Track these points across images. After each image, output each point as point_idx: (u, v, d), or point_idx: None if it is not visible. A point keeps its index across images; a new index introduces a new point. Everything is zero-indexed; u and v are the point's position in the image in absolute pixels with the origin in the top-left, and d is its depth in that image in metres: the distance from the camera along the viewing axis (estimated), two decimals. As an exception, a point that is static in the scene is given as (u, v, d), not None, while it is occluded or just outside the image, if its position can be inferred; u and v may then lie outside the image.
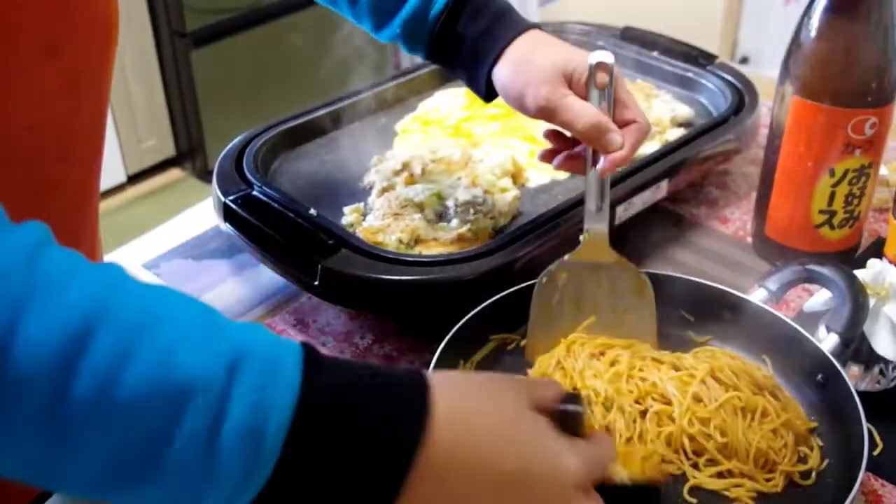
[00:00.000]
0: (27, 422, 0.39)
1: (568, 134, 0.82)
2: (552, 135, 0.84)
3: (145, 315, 0.41)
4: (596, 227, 0.79)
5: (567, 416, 0.54)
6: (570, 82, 0.78)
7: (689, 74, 1.20)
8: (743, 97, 1.12)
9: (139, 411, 0.39)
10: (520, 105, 0.81)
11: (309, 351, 0.45)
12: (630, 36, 1.28)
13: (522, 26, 0.82)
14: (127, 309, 0.41)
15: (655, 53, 1.24)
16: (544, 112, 0.78)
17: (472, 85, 0.85)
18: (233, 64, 2.93)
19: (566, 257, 0.79)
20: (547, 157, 0.84)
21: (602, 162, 0.77)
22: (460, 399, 0.49)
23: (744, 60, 2.91)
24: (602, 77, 0.76)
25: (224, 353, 0.41)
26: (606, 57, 0.76)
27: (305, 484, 0.43)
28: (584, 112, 0.76)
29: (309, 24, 2.98)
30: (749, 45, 2.87)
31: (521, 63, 0.80)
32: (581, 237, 0.79)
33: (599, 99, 0.77)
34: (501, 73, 0.81)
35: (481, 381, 0.53)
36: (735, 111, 1.09)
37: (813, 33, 0.85)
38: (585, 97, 0.77)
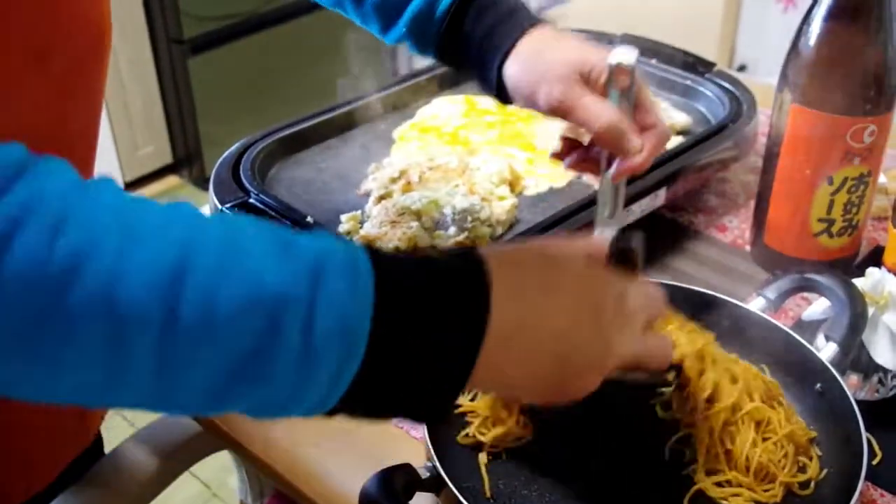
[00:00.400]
0: (143, 354, 0.42)
1: (584, 141, 0.79)
2: (566, 137, 0.81)
3: (227, 243, 0.44)
4: (608, 234, 0.76)
5: (621, 253, 0.57)
6: (587, 81, 0.75)
7: (688, 82, 1.20)
8: (741, 105, 1.11)
9: (240, 326, 0.43)
10: (531, 103, 0.78)
11: (374, 251, 0.48)
12: (628, 43, 1.28)
13: (532, 22, 0.80)
14: (211, 241, 0.44)
15: (654, 61, 1.24)
16: (558, 111, 0.76)
17: (484, 85, 0.83)
18: (230, 71, 2.93)
19: None
20: (559, 156, 0.81)
21: (616, 165, 0.74)
22: (516, 268, 0.52)
23: (741, 68, 2.91)
24: (623, 79, 0.73)
25: (304, 268, 0.45)
26: (628, 57, 0.73)
27: (391, 367, 0.47)
28: (603, 112, 0.73)
29: (306, 32, 2.99)
30: (747, 53, 2.87)
31: (532, 59, 0.77)
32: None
33: (619, 100, 0.73)
34: (512, 70, 0.78)
35: (534, 247, 0.57)
36: (733, 119, 1.09)
37: (812, 41, 0.85)
38: (603, 96, 0.74)
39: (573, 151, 0.80)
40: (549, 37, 0.79)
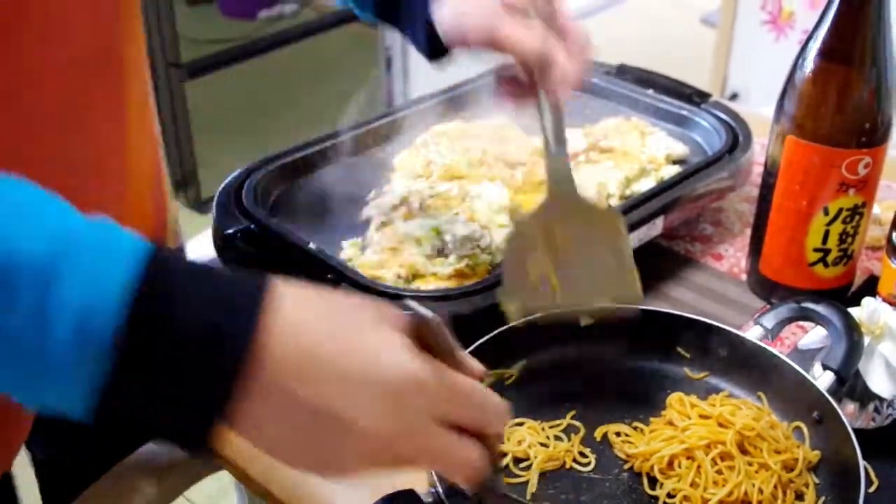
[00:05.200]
0: None
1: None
2: (499, 75, 0.82)
3: None
4: (558, 170, 0.75)
5: (413, 320, 0.48)
6: (511, 7, 0.76)
7: (684, 112, 1.21)
8: (737, 135, 1.13)
9: None
10: (462, 39, 0.79)
11: (154, 249, 0.44)
12: (625, 73, 1.30)
13: None
14: None
15: (650, 91, 1.25)
16: (487, 42, 0.76)
17: (415, 39, 0.84)
18: (227, 95, 2.94)
19: (539, 207, 0.75)
20: (497, 95, 0.81)
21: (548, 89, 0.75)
22: (303, 307, 0.48)
23: (734, 96, 2.93)
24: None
25: (53, 236, 0.42)
26: None
27: (140, 377, 0.43)
28: (527, 36, 0.74)
29: (303, 57, 3.01)
30: (739, 82, 2.89)
31: (457, 1, 0.78)
32: (546, 185, 0.75)
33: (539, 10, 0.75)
34: (441, 9, 0.80)
35: (330, 296, 0.51)
36: (729, 149, 1.10)
37: (807, 75, 0.87)
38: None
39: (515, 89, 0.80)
40: None
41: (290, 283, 0.49)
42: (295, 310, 0.47)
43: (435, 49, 0.83)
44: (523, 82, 0.79)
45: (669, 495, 0.71)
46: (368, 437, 0.46)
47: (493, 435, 0.52)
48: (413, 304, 0.50)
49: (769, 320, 0.82)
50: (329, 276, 0.86)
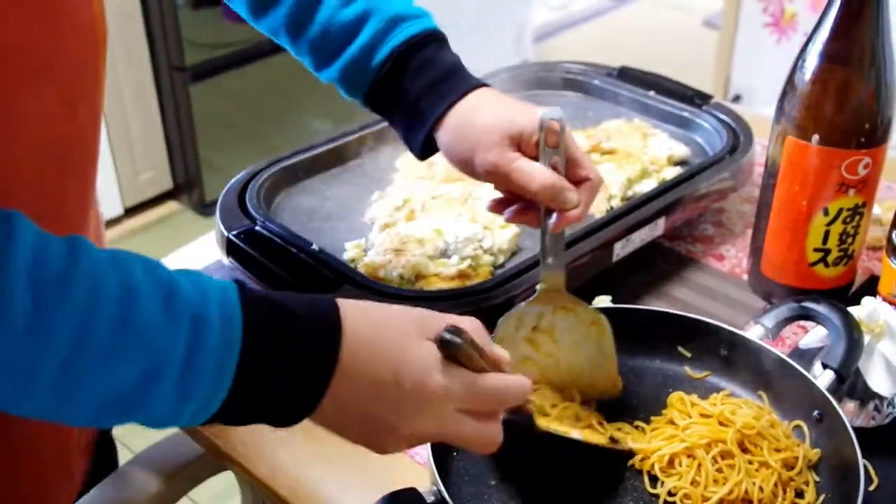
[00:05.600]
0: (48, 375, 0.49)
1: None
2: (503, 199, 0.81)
3: (124, 291, 0.52)
4: (552, 280, 0.77)
5: (443, 343, 0.59)
6: (518, 144, 0.76)
7: (685, 114, 1.22)
8: (738, 136, 1.14)
9: (122, 366, 0.51)
10: (468, 171, 0.79)
11: (244, 292, 0.56)
12: (627, 75, 1.30)
13: (468, 85, 0.79)
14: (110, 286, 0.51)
15: (652, 93, 1.26)
16: (493, 176, 0.77)
17: (409, 142, 0.83)
18: (231, 98, 2.95)
19: (522, 304, 0.77)
20: (497, 207, 0.81)
21: (555, 219, 0.75)
22: (364, 325, 0.59)
23: (736, 98, 2.94)
24: (552, 137, 0.74)
25: (186, 319, 0.52)
26: (556, 114, 0.74)
27: (252, 395, 0.55)
28: (537, 174, 0.74)
29: (307, 60, 3.02)
30: (742, 83, 2.90)
31: (463, 126, 0.78)
32: (537, 287, 0.77)
33: (551, 156, 0.75)
34: (444, 138, 0.79)
35: (385, 309, 0.61)
36: (730, 150, 1.10)
37: (807, 76, 0.87)
38: (535, 156, 0.75)
39: (511, 203, 0.80)
40: (480, 102, 0.79)
41: (349, 302, 0.60)
42: (355, 328, 0.58)
43: (426, 152, 0.83)
44: (522, 201, 0.79)
45: (670, 493, 0.72)
46: (413, 435, 0.60)
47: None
48: (452, 319, 0.62)
49: (770, 320, 0.82)
50: (332, 277, 0.86)
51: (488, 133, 0.76)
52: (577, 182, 0.76)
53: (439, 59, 0.80)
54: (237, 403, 0.55)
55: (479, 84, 0.80)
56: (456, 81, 0.80)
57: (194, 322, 0.52)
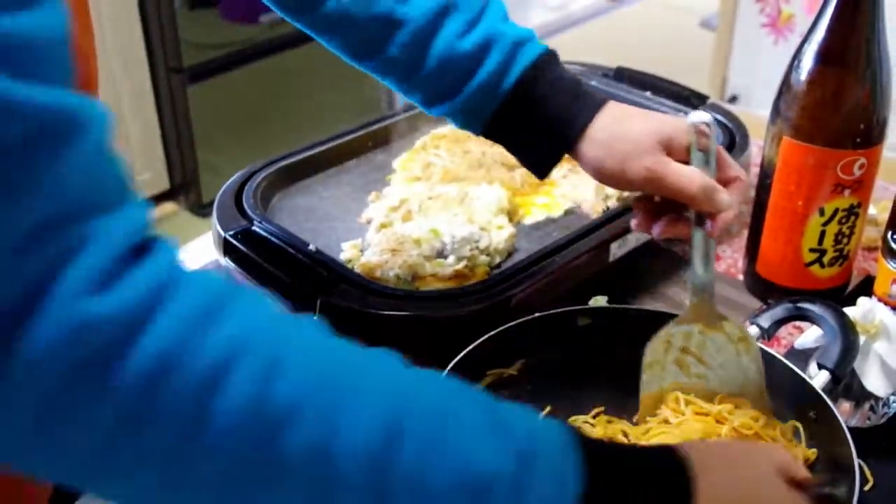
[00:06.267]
0: None
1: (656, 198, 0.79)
2: (639, 203, 0.81)
3: (439, 412, 0.46)
4: (703, 291, 0.76)
5: (826, 499, 0.58)
6: (668, 150, 0.76)
7: (682, 114, 1.22)
8: (734, 137, 1.14)
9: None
10: (619, 181, 0.78)
11: (582, 437, 0.50)
12: (623, 76, 1.30)
13: (600, 99, 0.79)
14: (423, 408, 0.46)
15: (648, 93, 1.26)
16: (650, 183, 0.76)
17: (536, 162, 0.82)
18: (229, 99, 2.95)
19: (673, 323, 0.77)
20: (644, 225, 0.80)
21: (709, 224, 0.75)
22: (718, 473, 0.55)
23: (733, 99, 2.94)
24: (704, 140, 0.75)
25: (515, 450, 0.46)
26: (704, 117, 0.75)
27: None
28: (694, 177, 0.74)
29: (304, 62, 3.02)
30: (738, 84, 2.90)
31: (613, 139, 0.77)
32: (688, 301, 0.77)
33: (701, 161, 0.75)
34: (591, 152, 0.77)
35: (738, 451, 0.59)
36: (727, 151, 1.10)
37: (803, 76, 0.88)
38: (686, 161, 0.76)
39: (658, 216, 0.79)
40: (622, 115, 0.79)
41: (693, 447, 0.56)
42: (709, 485, 0.53)
43: (549, 169, 0.82)
44: (666, 209, 0.79)
45: None
46: None
47: None
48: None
49: (766, 320, 0.82)
50: (329, 277, 0.86)
51: (640, 141, 0.76)
52: (726, 183, 0.76)
53: (565, 77, 0.80)
54: None
55: (605, 98, 0.80)
56: (589, 96, 0.79)
57: (527, 453, 0.47)
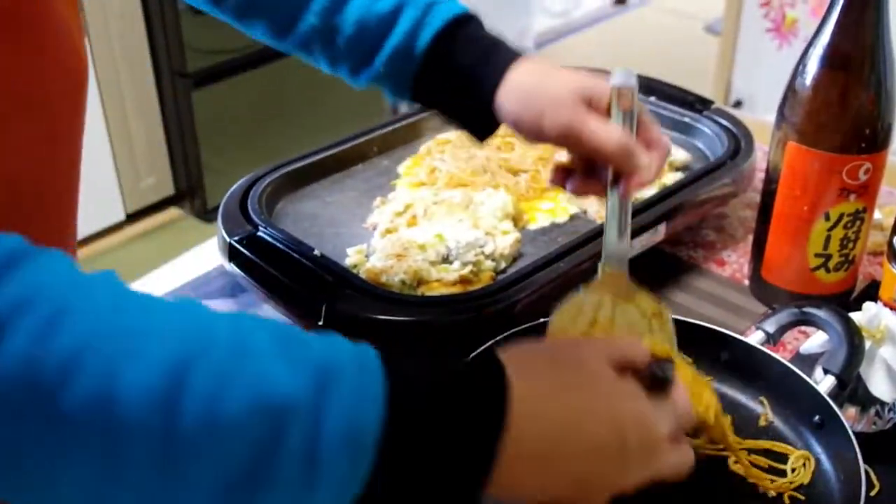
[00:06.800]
0: (141, 462, 0.41)
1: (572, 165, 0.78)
2: (559, 164, 0.79)
3: (233, 346, 0.44)
4: (616, 258, 0.74)
5: (657, 380, 0.55)
6: (589, 106, 0.74)
7: (686, 119, 1.22)
8: (739, 142, 1.14)
9: (243, 435, 0.42)
10: (536, 133, 0.76)
11: (384, 353, 0.48)
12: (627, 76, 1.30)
13: (515, 54, 0.78)
14: (215, 343, 0.43)
15: (653, 99, 1.26)
16: (567, 137, 0.74)
17: (468, 120, 0.81)
18: (233, 104, 2.96)
19: (582, 290, 0.74)
20: (559, 179, 0.78)
21: (624, 182, 0.72)
22: (537, 379, 0.52)
23: (738, 104, 2.94)
24: (625, 100, 0.72)
25: (311, 372, 0.45)
26: (628, 78, 0.73)
27: (403, 474, 0.46)
28: (612, 133, 0.71)
29: (309, 67, 3.02)
30: (743, 89, 2.90)
31: (533, 90, 0.76)
32: (599, 267, 0.74)
33: (623, 121, 0.73)
34: (509, 103, 0.76)
35: (563, 349, 0.56)
36: (731, 156, 1.11)
37: (808, 81, 0.88)
38: (606, 119, 0.73)
39: (570, 176, 0.78)
40: (544, 69, 0.78)
41: (509, 351, 0.53)
42: (528, 388, 0.51)
43: (486, 129, 0.81)
44: (576, 170, 0.78)
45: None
46: (629, 485, 0.54)
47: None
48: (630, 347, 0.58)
49: (771, 325, 0.82)
50: (334, 282, 0.87)
51: (559, 95, 0.74)
52: (647, 145, 0.74)
53: (483, 35, 0.79)
54: (387, 479, 0.46)
55: (521, 53, 0.79)
56: (506, 51, 0.78)
57: (323, 372, 0.45)
